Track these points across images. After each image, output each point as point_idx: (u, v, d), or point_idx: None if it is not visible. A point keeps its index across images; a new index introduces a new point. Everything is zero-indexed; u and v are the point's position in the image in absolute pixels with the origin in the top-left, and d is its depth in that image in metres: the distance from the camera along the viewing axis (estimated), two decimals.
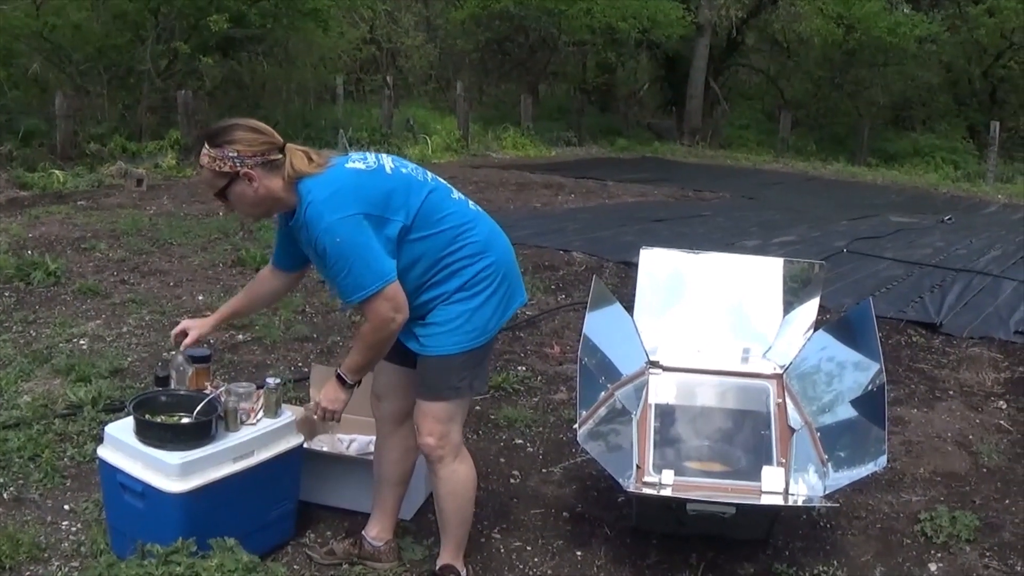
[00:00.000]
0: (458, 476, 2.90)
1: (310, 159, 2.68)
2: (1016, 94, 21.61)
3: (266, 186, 2.65)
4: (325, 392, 2.81)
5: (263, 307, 3.08)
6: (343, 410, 2.84)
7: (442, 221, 2.73)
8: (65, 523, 3.32)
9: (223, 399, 2.97)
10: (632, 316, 3.79)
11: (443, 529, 2.99)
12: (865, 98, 21.24)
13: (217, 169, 2.64)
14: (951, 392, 5.05)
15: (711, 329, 3.77)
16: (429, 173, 2.84)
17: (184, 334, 3.05)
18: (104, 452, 2.98)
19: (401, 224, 2.66)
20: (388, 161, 2.77)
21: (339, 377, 2.77)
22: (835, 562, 3.31)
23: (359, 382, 2.81)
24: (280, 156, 2.66)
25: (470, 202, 2.88)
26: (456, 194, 2.85)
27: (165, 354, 4.99)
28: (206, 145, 2.66)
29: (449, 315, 2.74)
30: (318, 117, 16.24)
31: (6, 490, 3.50)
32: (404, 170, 2.76)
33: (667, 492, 3.19)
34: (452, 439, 2.85)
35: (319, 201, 2.59)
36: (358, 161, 2.72)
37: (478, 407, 4.41)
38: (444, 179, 2.88)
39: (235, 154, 2.62)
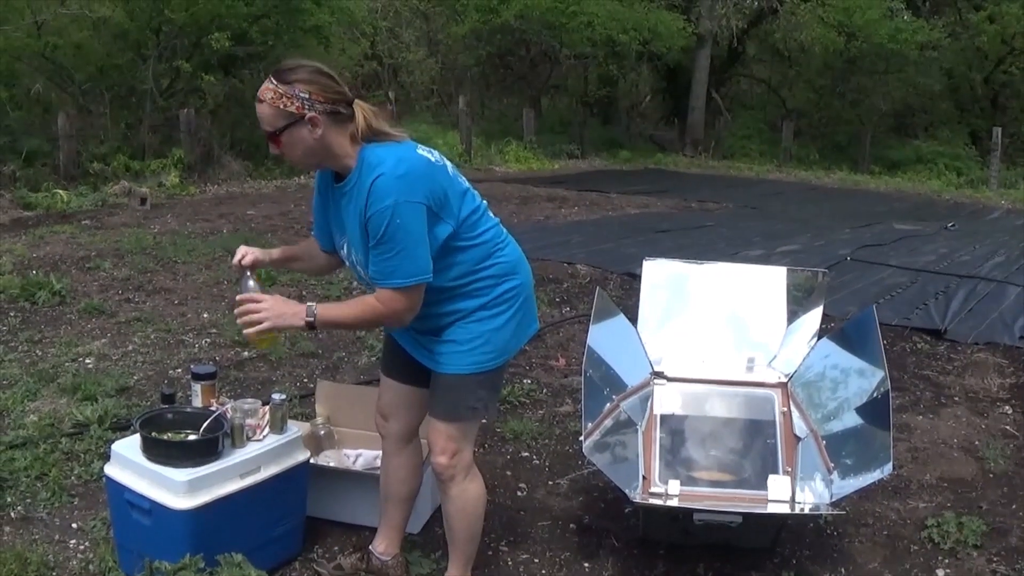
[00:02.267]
0: (468, 495, 2.87)
1: (385, 124, 2.57)
2: (1018, 99, 21.64)
3: (327, 137, 2.50)
4: (285, 305, 2.60)
5: (312, 266, 2.96)
6: (270, 329, 2.59)
7: (481, 236, 2.69)
8: (73, 541, 3.32)
9: (229, 416, 2.97)
10: (636, 327, 3.79)
11: (452, 545, 2.97)
12: (867, 106, 21.27)
13: (281, 107, 2.46)
14: (956, 398, 5.05)
15: (715, 339, 3.77)
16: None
17: (244, 261, 2.86)
18: (111, 470, 2.99)
19: (451, 229, 2.59)
20: (448, 163, 2.68)
21: (309, 312, 2.56)
22: (842, 569, 3.31)
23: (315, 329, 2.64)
24: (348, 110, 2.52)
25: (500, 224, 2.84)
26: (491, 214, 2.80)
27: (171, 372, 5.02)
28: (273, 80, 2.48)
29: (469, 334, 2.70)
30: None
31: (14, 509, 3.51)
32: (460, 178, 2.70)
33: (674, 502, 3.19)
34: (464, 458, 2.83)
35: (392, 176, 2.45)
36: (424, 151, 2.59)
37: (484, 420, 4.41)
38: None
39: (306, 95, 2.46)
